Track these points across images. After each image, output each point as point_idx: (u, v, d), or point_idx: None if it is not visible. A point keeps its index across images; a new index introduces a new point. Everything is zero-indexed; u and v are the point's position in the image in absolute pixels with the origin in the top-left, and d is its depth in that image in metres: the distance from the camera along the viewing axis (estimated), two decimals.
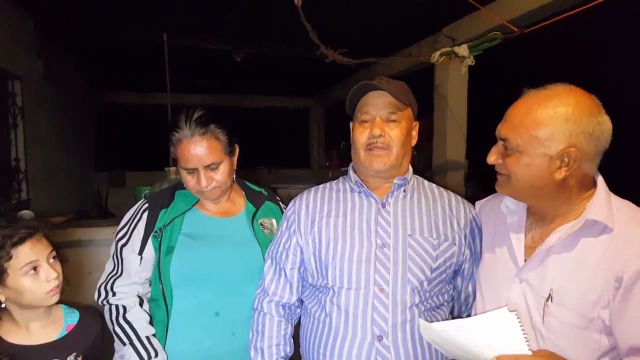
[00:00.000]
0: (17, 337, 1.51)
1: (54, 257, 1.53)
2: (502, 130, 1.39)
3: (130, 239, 1.76)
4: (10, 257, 1.42)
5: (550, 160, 1.29)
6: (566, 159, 1.28)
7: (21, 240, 1.44)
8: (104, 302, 1.73)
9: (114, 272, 1.76)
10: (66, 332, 1.60)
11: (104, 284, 1.75)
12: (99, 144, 8.80)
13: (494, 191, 1.74)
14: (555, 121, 1.27)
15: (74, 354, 1.59)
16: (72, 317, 1.64)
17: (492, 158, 1.43)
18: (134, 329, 1.70)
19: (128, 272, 1.74)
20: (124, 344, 1.67)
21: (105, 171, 8.78)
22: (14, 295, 1.46)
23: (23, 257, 1.44)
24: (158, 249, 1.73)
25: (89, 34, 5.54)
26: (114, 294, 1.72)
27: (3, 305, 1.48)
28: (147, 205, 1.82)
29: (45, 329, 1.56)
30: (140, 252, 1.74)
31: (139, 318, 1.72)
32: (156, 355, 1.66)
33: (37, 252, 1.47)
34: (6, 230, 1.44)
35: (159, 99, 8.09)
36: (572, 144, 1.26)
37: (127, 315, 1.71)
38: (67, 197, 6.21)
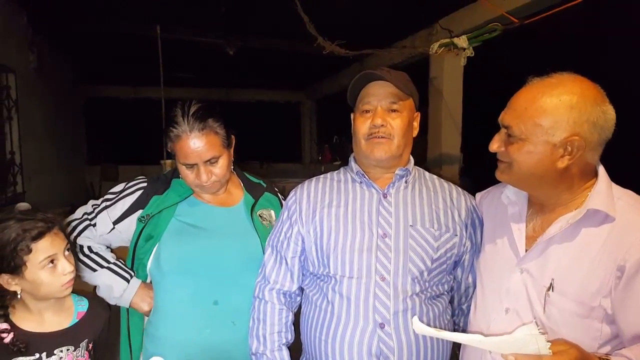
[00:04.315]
0: (31, 324, 1.53)
1: (68, 250, 1.54)
2: (505, 117, 1.39)
3: (114, 206, 1.78)
4: (30, 251, 1.42)
5: (553, 149, 1.30)
6: (569, 148, 1.28)
7: (41, 235, 1.45)
8: (71, 239, 1.75)
9: (90, 217, 1.79)
10: (77, 320, 1.63)
11: (77, 221, 1.79)
12: (91, 137, 8.74)
13: (488, 184, 1.75)
14: (559, 109, 1.27)
15: (86, 340, 1.62)
16: (82, 305, 1.66)
17: (494, 145, 1.43)
18: (104, 257, 1.77)
19: (96, 230, 1.78)
20: (94, 270, 1.73)
21: (97, 165, 8.72)
22: (30, 288, 1.48)
23: (42, 251, 1.45)
24: (139, 233, 1.75)
25: (80, 27, 5.49)
26: (79, 235, 1.77)
27: (19, 297, 1.49)
28: (145, 184, 1.83)
29: (57, 316, 1.59)
30: (116, 222, 1.77)
31: (106, 253, 1.80)
32: (134, 276, 1.76)
33: (55, 246, 1.48)
34: (25, 223, 1.44)
35: (150, 92, 8.04)
36: (575, 132, 1.26)
37: (93, 249, 1.77)
38: (60, 191, 6.18)
